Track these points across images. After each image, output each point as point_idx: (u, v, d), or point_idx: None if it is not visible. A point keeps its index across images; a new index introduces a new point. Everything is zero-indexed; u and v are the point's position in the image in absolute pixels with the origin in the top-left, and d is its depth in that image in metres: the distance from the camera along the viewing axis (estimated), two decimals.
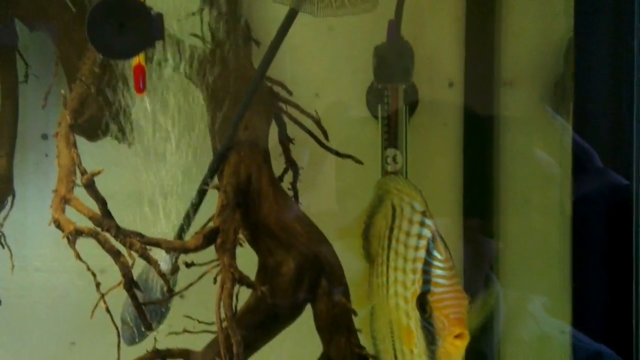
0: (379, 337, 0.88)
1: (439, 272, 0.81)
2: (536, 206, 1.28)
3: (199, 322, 0.83)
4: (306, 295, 0.83)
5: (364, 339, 0.92)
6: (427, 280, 0.81)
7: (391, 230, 0.87)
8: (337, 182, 1.24)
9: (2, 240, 1.02)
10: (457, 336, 0.80)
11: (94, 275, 0.78)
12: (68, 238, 0.75)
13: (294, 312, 0.83)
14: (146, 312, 0.81)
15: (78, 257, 0.77)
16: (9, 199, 1.04)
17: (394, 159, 1.24)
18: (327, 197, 1.24)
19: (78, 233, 0.74)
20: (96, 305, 0.75)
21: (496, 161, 1.28)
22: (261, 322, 0.82)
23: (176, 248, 0.77)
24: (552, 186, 1.28)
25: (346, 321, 0.82)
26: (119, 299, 0.97)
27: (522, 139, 1.29)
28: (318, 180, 1.23)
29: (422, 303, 0.80)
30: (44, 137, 1.31)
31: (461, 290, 0.83)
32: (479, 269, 1.31)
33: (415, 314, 0.81)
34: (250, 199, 0.84)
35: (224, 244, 0.77)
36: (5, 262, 1.28)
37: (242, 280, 0.76)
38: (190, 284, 0.78)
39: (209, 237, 0.77)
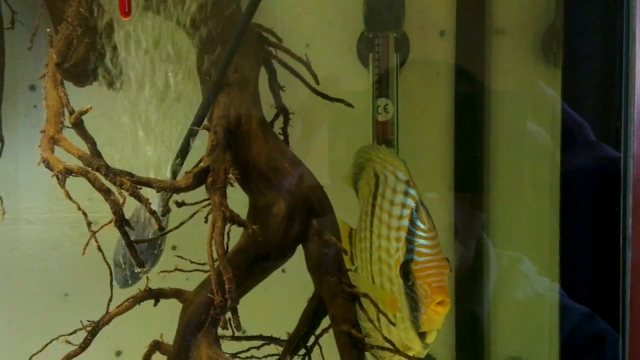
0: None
1: (422, 241, 0.83)
2: (526, 153, 1.29)
3: (191, 262, 0.84)
4: (297, 236, 0.83)
5: None
6: (410, 250, 0.83)
7: (374, 197, 0.88)
8: (329, 152, 1.24)
9: None
10: (439, 303, 0.83)
11: (85, 214, 0.77)
12: (57, 177, 0.75)
13: (285, 253, 0.84)
14: (138, 254, 0.81)
15: (68, 196, 0.76)
16: None
17: (385, 109, 1.24)
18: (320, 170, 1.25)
19: (68, 172, 0.74)
20: (87, 243, 0.75)
21: (487, 109, 1.27)
22: (252, 262, 0.82)
23: (167, 187, 0.77)
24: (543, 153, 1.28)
25: (337, 261, 0.82)
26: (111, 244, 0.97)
27: (514, 88, 1.29)
28: (311, 151, 1.22)
29: (406, 271, 0.82)
30: (32, 88, 1.29)
31: (443, 259, 0.85)
32: (471, 225, 1.32)
33: (398, 280, 0.83)
34: (240, 140, 0.84)
35: (214, 183, 0.76)
36: None
37: (233, 218, 0.76)
38: (182, 223, 0.78)
39: (199, 177, 0.77)
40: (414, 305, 0.85)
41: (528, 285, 1.34)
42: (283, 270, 1.32)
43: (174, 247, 1.12)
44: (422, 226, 0.84)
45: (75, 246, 1.34)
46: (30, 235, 1.32)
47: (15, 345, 1.33)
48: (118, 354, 1.35)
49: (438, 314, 0.84)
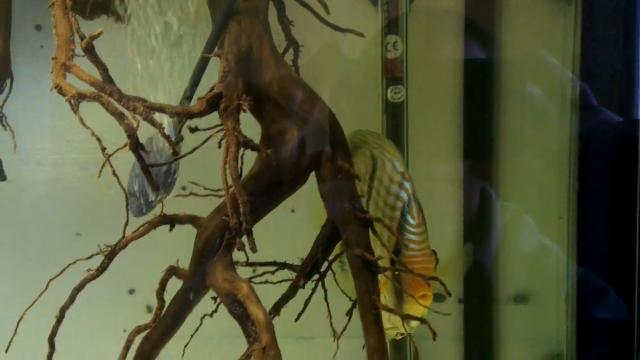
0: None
1: (410, 236, 0.88)
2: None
3: (205, 188, 0.84)
4: (310, 162, 0.83)
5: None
6: (398, 242, 0.87)
7: (372, 179, 0.91)
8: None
9: (4, 122, 1.01)
10: (421, 296, 0.88)
11: (99, 140, 0.77)
12: (70, 102, 0.75)
13: (298, 179, 0.84)
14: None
15: (82, 122, 0.76)
16: (8, 81, 1.02)
17: (394, 46, 1.23)
18: None
19: (81, 97, 0.74)
20: (102, 166, 0.75)
21: (497, 45, 1.27)
22: (265, 188, 0.82)
23: (180, 112, 0.77)
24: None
25: (349, 187, 0.83)
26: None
27: (525, 22, 1.28)
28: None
29: (393, 262, 0.85)
30: (38, 28, 1.29)
31: (429, 253, 0.89)
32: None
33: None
34: (252, 68, 0.83)
35: (227, 108, 0.76)
36: (6, 155, 1.28)
37: (247, 143, 0.76)
38: (195, 148, 0.78)
39: (212, 102, 0.77)
40: (399, 293, 0.91)
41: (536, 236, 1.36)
42: (292, 210, 1.34)
43: (183, 188, 1.13)
44: (411, 221, 0.88)
45: (85, 187, 1.35)
46: (40, 175, 1.33)
47: (28, 285, 1.34)
48: (131, 291, 1.38)
49: (419, 306, 0.88)
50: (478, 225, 1.34)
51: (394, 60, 1.23)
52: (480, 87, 1.27)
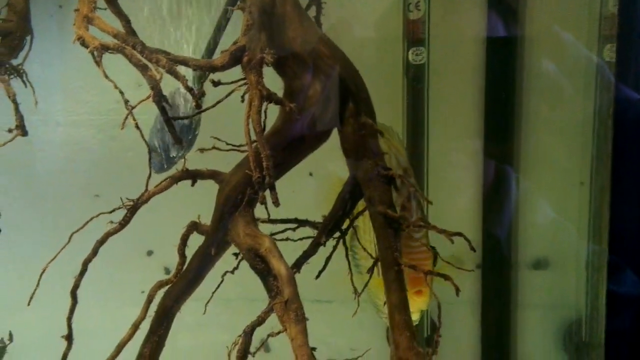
0: (360, 254, 1.01)
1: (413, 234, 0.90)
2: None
3: (227, 143, 0.84)
4: (333, 118, 0.82)
5: None
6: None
7: None
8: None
9: (25, 78, 1.01)
10: (417, 292, 0.92)
11: (121, 93, 0.76)
12: (93, 54, 0.74)
13: (321, 135, 0.83)
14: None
15: (105, 76, 0.76)
16: (28, 38, 1.02)
17: (417, 6, 1.21)
18: None
19: (104, 48, 0.73)
20: (125, 119, 0.75)
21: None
22: (288, 144, 0.82)
23: (203, 66, 0.76)
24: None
25: (372, 143, 0.82)
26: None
27: None
28: None
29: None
30: None
31: (426, 250, 0.90)
32: None
33: None
34: (275, 23, 0.82)
35: (250, 61, 0.75)
36: (25, 115, 1.28)
37: (270, 96, 0.75)
38: (218, 101, 0.77)
39: (235, 55, 0.76)
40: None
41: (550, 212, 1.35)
42: (310, 174, 1.34)
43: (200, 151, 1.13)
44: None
45: (104, 148, 1.35)
46: (59, 136, 1.33)
47: (49, 245, 1.36)
48: (149, 253, 1.38)
49: (415, 302, 0.93)
50: (497, 190, 1.33)
51: (416, 21, 1.21)
52: (503, 46, 1.25)
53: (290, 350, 1.41)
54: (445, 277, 0.77)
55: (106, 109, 1.34)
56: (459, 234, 0.76)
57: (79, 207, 1.34)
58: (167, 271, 1.37)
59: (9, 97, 0.89)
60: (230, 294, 1.15)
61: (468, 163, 1.34)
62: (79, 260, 0.88)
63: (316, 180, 1.34)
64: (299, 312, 0.73)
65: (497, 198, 1.33)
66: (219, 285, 0.88)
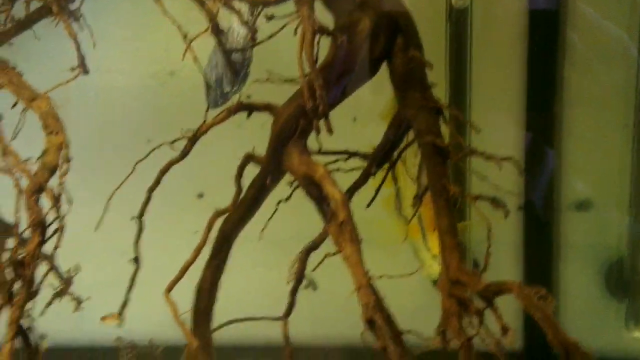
0: (405, 213, 1.06)
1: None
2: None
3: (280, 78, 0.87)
4: (382, 52, 0.85)
5: None
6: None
7: None
8: None
9: (82, 22, 1.04)
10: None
11: (179, 28, 0.80)
12: None
13: (370, 69, 0.86)
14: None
15: (164, 12, 0.79)
16: None
17: None
18: None
19: None
20: (185, 52, 0.78)
21: None
22: (338, 77, 0.84)
23: (257, 0, 0.79)
24: None
25: (420, 76, 0.84)
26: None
27: None
28: None
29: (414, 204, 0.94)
30: None
31: None
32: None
33: None
34: None
35: None
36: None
37: (322, 29, 0.78)
38: (272, 35, 0.80)
39: None
40: (423, 232, 1.11)
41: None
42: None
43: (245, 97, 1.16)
44: None
45: (155, 95, 1.40)
46: (112, 83, 1.37)
47: (104, 188, 1.42)
48: (200, 195, 1.43)
49: (436, 241, 0.91)
50: (539, 132, 1.34)
51: None
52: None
53: (336, 288, 1.46)
54: (494, 201, 0.79)
55: (156, 57, 1.37)
56: (508, 159, 0.78)
57: (132, 150, 1.38)
58: None
59: (71, 36, 0.93)
60: (280, 235, 1.20)
61: (510, 107, 1.35)
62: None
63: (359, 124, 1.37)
64: (354, 233, 0.76)
65: (538, 140, 1.34)
66: (272, 215, 0.92)
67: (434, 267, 1.19)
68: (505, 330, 0.75)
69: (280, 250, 1.35)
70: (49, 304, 1.14)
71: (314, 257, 0.87)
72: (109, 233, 1.37)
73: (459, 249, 0.80)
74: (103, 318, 1.30)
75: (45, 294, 0.98)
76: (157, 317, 1.41)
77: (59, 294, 1.15)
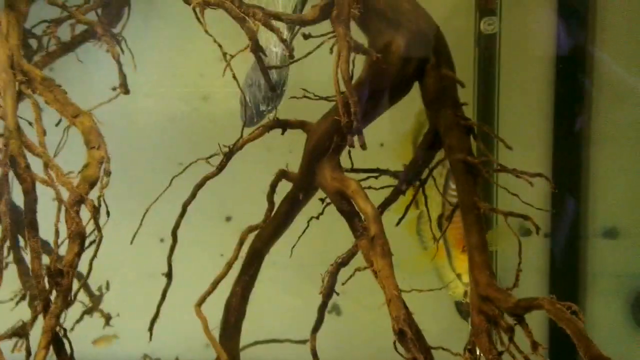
0: (426, 236, 1.14)
1: (452, 198, 0.99)
2: None
3: (315, 95, 0.89)
4: (415, 71, 0.87)
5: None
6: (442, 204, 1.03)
7: None
8: None
9: (125, 44, 1.08)
10: (463, 251, 1.05)
11: (220, 46, 0.82)
12: (195, 10, 0.80)
13: (403, 87, 0.88)
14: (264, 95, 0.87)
15: (206, 30, 0.81)
16: (125, 9, 1.10)
17: None
18: None
19: (205, 3, 0.80)
20: (225, 68, 0.80)
21: None
22: (372, 95, 0.86)
23: (295, 20, 0.82)
24: None
25: (452, 94, 0.86)
26: None
27: None
28: None
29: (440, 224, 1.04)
30: None
31: None
32: None
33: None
34: None
35: (339, 15, 0.81)
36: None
37: (358, 47, 0.80)
38: (309, 53, 0.83)
39: (324, 10, 0.81)
40: (448, 252, 1.10)
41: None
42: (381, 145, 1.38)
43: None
44: (452, 185, 1.03)
45: (188, 120, 1.43)
46: (148, 106, 1.41)
47: (135, 210, 1.45)
48: (228, 219, 1.45)
49: (462, 260, 1.08)
50: (567, 159, 1.34)
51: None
52: (575, 18, 1.27)
53: (360, 313, 1.46)
54: (525, 217, 0.80)
55: (191, 82, 1.41)
56: (540, 175, 0.79)
57: (163, 172, 1.41)
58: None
59: (114, 57, 0.96)
60: (304, 260, 1.21)
61: (538, 133, 1.36)
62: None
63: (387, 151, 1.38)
64: (385, 247, 0.77)
65: (566, 167, 1.35)
66: (304, 231, 0.93)
67: (459, 288, 1.20)
68: (535, 346, 0.75)
69: (306, 276, 1.36)
70: (79, 320, 1.17)
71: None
72: (137, 254, 1.40)
73: (489, 265, 0.81)
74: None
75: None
76: (183, 337, 1.43)
77: (89, 311, 1.18)
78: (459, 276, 1.15)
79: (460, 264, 1.12)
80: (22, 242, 1.01)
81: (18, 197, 0.89)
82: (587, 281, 1.39)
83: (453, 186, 1.03)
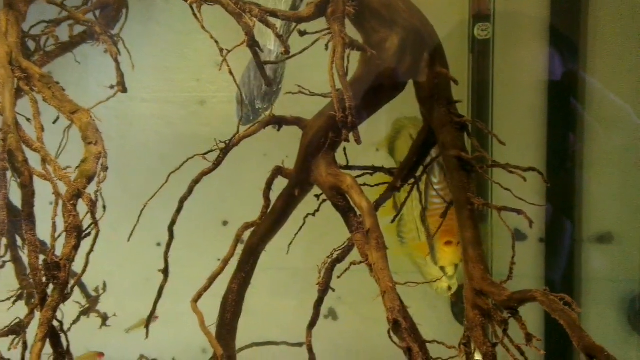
0: (407, 237, 1.18)
1: (434, 193, 1.08)
2: None
3: (310, 92, 0.90)
4: (409, 68, 0.88)
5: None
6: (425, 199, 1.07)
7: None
8: None
9: (123, 44, 1.09)
10: (446, 243, 1.12)
11: (217, 42, 0.83)
12: (192, 7, 0.81)
13: (397, 85, 0.89)
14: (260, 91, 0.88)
15: (203, 27, 0.82)
16: (124, 11, 1.11)
17: None
18: None
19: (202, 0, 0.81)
20: (221, 64, 0.81)
21: None
22: (367, 92, 0.87)
23: (290, 17, 0.83)
24: None
25: (446, 92, 0.87)
26: None
27: None
28: None
29: (422, 218, 1.11)
30: None
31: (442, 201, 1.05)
32: None
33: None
34: None
35: (334, 12, 0.82)
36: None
37: (353, 44, 0.81)
38: (305, 49, 0.84)
39: (320, 7, 0.83)
40: (431, 247, 1.13)
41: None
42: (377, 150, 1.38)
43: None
44: (434, 179, 1.10)
45: (186, 124, 1.44)
46: (145, 111, 1.42)
47: (133, 212, 1.45)
48: (224, 223, 1.45)
49: (445, 252, 1.12)
50: (561, 165, 1.35)
51: None
52: (567, 22, 1.29)
53: (355, 318, 1.45)
54: (518, 212, 0.80)
55: (188, 87, 1.42)
56: (532, 169, 0.80)
57: (161, 177, 1.42)
58: (242, 241, 1.43)
59: (112, 56, 0.97)
60: (299, 264, 1.22)
61: (532, 139, 1.37)
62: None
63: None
64: (380, 241, 0.78)
65: (560, 173, 1.36)
66: (300, 227, 0.94)
67: (442, 282, 1.20)
68: (529, 338, 0.76)
69: (301, 279, 1.37)
70: (76, 320, 1.17)
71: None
72: (133, 258, 1.40)
73: (483, 260, 0.81)
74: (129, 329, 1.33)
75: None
76: (180, 341, 1.43)
77: (86, 312, 1.18)
78: (442, 269, 1.16)
79: (444, 255, 1.14)
80: (20, 242, 1.02)
81: (17, 197, 0.90)
82: (582, 286, 1.39)
83: (435, 179, 1.10)
